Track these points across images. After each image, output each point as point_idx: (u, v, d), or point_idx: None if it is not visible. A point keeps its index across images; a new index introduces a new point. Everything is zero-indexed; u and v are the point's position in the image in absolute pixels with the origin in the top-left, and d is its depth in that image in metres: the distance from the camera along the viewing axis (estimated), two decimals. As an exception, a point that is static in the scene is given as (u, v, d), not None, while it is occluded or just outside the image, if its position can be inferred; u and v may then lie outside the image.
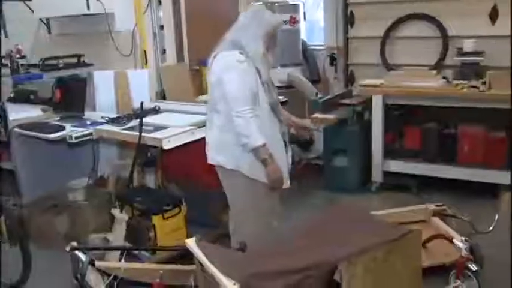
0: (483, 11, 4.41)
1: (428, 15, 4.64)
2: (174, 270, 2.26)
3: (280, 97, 3.04)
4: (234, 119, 2.48)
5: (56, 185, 3.82)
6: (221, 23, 5.30)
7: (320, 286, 2.15)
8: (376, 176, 4.56)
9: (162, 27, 4.55)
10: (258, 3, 5.13)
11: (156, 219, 3.34)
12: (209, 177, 3.72)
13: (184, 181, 3.84)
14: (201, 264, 1.90)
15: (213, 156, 2.73)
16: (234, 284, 1.65)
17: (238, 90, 2.48)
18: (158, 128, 3.31)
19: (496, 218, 2.77)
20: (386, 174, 4.56)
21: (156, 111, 3.70)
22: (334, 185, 4.55)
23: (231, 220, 2.96)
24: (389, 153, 4.56)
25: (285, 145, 2.77)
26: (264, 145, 2.50)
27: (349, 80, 5.23)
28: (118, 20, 4.22)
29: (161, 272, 2.18)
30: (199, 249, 1.88)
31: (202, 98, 4.44)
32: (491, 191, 4.16)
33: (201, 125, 3.30)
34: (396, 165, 4.51)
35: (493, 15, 4.40)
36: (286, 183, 2.72)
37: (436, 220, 3.50)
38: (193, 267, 2.23)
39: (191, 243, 1.94)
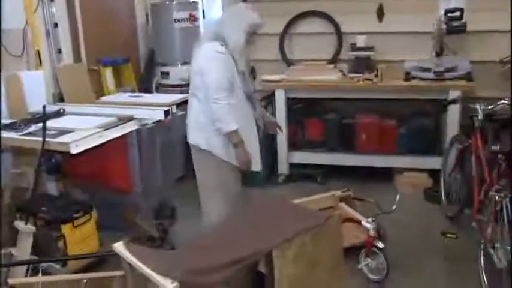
0: (371, 9, 4.76)
1: (323, 13, 4.90)
2: (98, 277, 2.17)
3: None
4: (211, 105, 2.74)
5: None
6: (118, 21, 5.23)
7: (246, 278, 2.20)
8: (282, 168, 4.73)
9: (56, 25, 4.28)
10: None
11: (65, 228, 3.17)
12: (119, 180, 3.64)
13: (91, 186, 3.67)
14: (131, 267, 1.85)
15: (192, 136, 2.98)
16: (172, 283, 1.64)
17: (217, 79, 2.73)
18: (63, 132, 3.14)
19: (398, 198, 3.02)
20: (292, 165, 4.75)
21: (60, 114, 3.49)
22: (244, 179, 4.61)
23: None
24: (293, 145, 4.75)
25: (259, 130, 3.06)
26: (236, 130, 2.77)
27: (251, 75, 5.34)
28: (5, 18, 3.89)
29: (85, 281, 2.08)
30: (130, 252, 1.83)
31: (104, 99, 4.28)
32: (387, 174, 4.51)
33: (108, 127, 3.21)
34: (300, 157, 4.72)
35: (380, 14, 4.77)
36: (257, 166, 3.04)
37: (343, 205, 3.73)
38: (117, 273, 2.16)
39: (119, 247, 1.88)
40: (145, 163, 3.62)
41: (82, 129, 3.16)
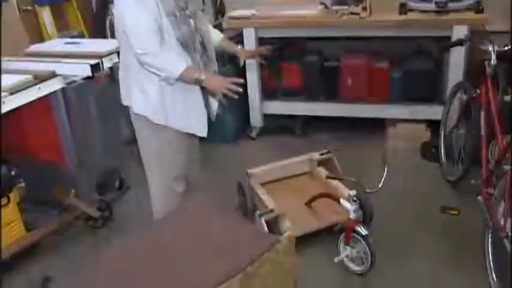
0: None
1: None
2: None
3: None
4: (140, 58, 2.13)
5: None
6: None
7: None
8: (255, 121, 4.07)
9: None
10: None
11: (-25, 217, 2.58)
12: (47, 150, 3.01)
13: (19, 156, 3.04)
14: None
15: (123, 97, 2.40)
16: None
17: (139, 23, 2.10)
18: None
19: (385, 173, 2.38)
20: (267, 116, 4.10)
21: None
22: (212, 134, 3.98)
23: None
24: (267, 93, 4.07)
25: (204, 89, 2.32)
26: (187, 68, 2.15)
27: (220, 11, 4.54)
28: None
29: None
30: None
31: (32, 48, 3.48)
32: (378, 125, 3.86)
33: (17, 89, 2.52)
34: (276, 107, 4.06)
35: None
36: (203, 132, 2.41)
37: (322, 171, 3.12)
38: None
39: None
40: (78, 128, 2.98)
41: (-17, 94, 2.47)
